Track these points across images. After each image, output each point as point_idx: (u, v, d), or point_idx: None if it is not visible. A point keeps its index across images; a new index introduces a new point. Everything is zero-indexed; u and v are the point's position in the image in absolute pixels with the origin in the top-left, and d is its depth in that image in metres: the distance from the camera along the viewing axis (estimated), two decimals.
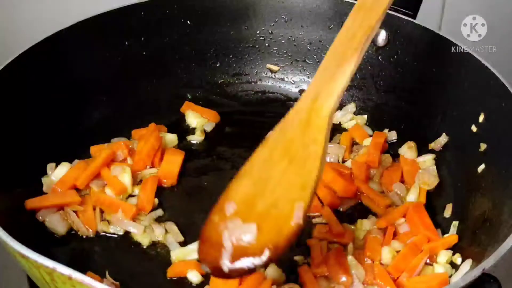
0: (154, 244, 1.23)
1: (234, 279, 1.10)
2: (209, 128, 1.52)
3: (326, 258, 1.16)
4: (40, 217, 1.23)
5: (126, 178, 1.30)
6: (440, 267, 1.16)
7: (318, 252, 1.18)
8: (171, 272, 1.17)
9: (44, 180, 1.31)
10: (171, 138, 1.46)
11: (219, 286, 1.11)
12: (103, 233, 1.24)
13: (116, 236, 1.24)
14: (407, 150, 1.41)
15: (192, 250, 1.20)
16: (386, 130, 1.50)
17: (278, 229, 0.90)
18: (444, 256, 1.18)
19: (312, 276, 1.14)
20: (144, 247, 1.23)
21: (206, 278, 1.15)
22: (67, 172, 1.31)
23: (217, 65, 1.63)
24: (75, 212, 1.25)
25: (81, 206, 1.26)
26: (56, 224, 1.23)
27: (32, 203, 1.24)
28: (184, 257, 1.19)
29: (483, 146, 1.28)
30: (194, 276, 1.16)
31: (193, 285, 1.15)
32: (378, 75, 1.55)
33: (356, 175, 1.36)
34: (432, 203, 1.33)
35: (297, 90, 1.64)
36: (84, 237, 1.24)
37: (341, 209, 1.32)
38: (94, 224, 1.24)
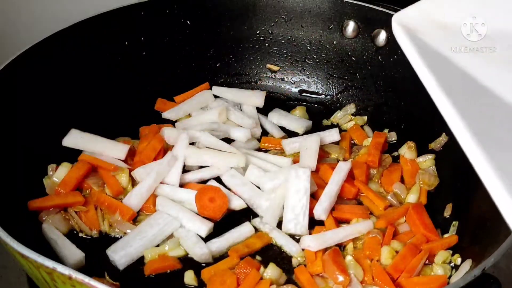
0: None
1: (232, 280, 1.11)
2: None
3: (323, 258, 1.16)
4: (42, 218, 1.23)
5: (123, 179, 1.30)
6: (438, 267, 1.16)
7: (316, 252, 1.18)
8: (148, 270, 1.16)
9: (45, 181, 1.31)
10: None
11: (217, 287, 1.11)
12: (105, 234, 1.24)
13: (117, 237, 1.24)
14: (407, 150, 1.41)
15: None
16: (386, 130, 1.50)
17: None
18: (441, 256, 1.18)
19: (309, 276, 1.14)
20: None
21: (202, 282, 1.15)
22: (69, 173, 1.30)
23: (217, 65, 1.63)
24: (77, 212, 1.25)
25: (84, 207, 1.26)
26: (58, 224, 1.22)
27: (35, 203, 1.24)
28: (156, 255, 1.19)
29: None
30: (191, 279, 1.15)
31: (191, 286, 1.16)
32: (378, 75, 1.55)
33: (356, 175, 1.36)
34: (432, 203, 1.33)
35: (297, 90, 1.64)
36: (86, 237, 1.23)
37: None
38: (97, 225, 1.24)
